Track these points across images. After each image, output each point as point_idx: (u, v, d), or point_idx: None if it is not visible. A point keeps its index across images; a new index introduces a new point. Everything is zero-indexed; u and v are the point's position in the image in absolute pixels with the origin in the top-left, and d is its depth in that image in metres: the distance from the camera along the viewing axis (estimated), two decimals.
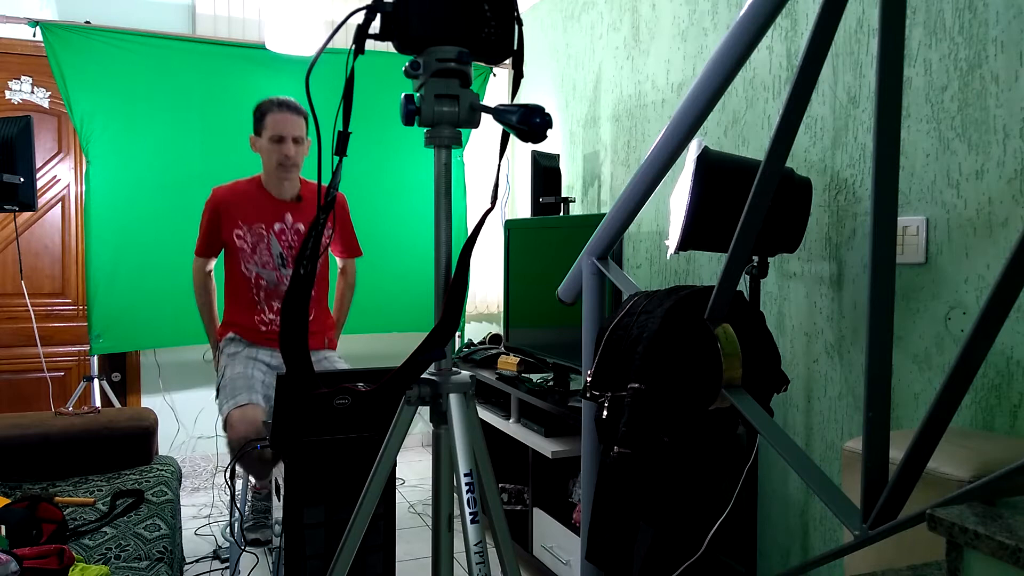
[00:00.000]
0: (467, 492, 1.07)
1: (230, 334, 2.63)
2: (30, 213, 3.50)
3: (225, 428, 2.35)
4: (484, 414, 3.01)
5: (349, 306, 2.84)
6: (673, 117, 1.47)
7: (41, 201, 3.57)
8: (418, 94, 1.13)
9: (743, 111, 2.41)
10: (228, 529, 2.71)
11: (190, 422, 3.83)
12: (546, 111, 1.07)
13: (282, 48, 3.51)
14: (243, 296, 2.59)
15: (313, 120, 1.12)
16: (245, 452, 2.22)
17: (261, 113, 2.50)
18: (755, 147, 2.35)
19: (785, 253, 1.99)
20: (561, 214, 3.31)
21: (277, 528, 2.20)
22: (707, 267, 2.57)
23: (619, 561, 1.52)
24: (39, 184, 3.50)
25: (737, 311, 1.45)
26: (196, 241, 2.65)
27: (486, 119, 1.15)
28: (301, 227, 2.58)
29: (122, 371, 3.79)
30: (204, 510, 3.33)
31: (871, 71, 1.94)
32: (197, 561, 2.75)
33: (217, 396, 2.49)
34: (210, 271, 2.71)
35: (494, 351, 3.43)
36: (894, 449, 1.06)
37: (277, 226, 2.56)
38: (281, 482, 2.04)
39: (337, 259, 2.83)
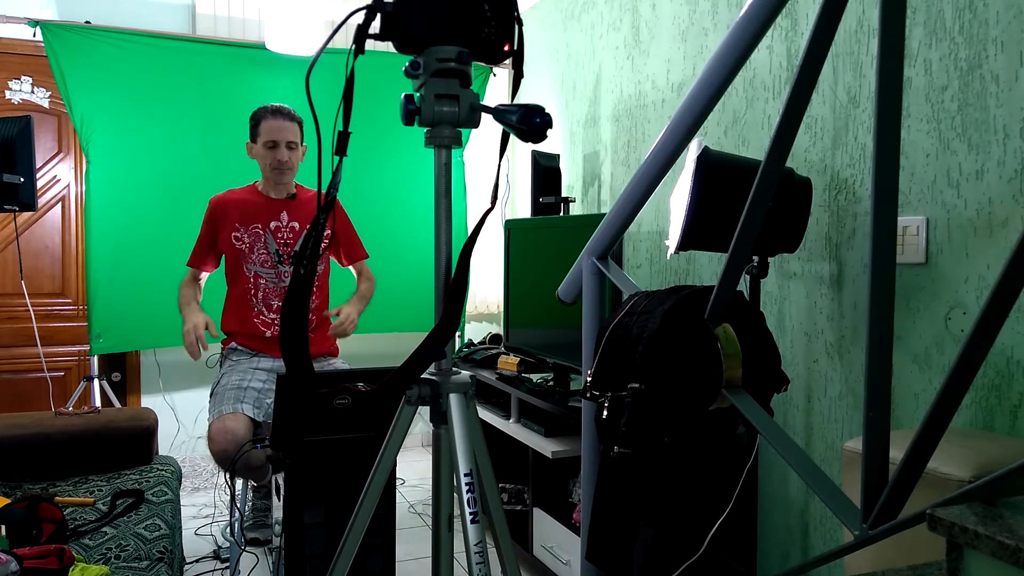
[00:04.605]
0: (467, 492, 1.07)
1: (232, 344, 2.65)
2: (30, 213, 3.50)
3: (207, 440, 2.36)
4: (484, 414, 3.01)
5: (371, 293, 2.75)
6: (673, 117, 1.47)
7: (41, 201, 3.56)
8: (418, 94, 1.13)
9: (743, 111, 2.41)
10: (228, 529, 2.71)
11: (190, 422, 3.83)
12: (546, 111, 1.07)
13: (282, 48, 3.51)
14: (242, 301, 2.61)
15: (313, 120, 1.12)
16: (235, 461, 2.23)
17: (256, 120, 2.55)
18: (755, 147, 2.35)
19: (785, 253, 1.99)
20: (561, 214, 3.31)
21: (277, 528, 2.20)
22: (707, 267, 2.57)
23: (619, 561, 1.52)
24: (39, 184, 3.50)
25: (737, 311, 1.45)
26: (192, 250, 2.66)
27: (486, 119, 1.15)
28: (296, 225, 2.61)
29: (122, 371, 3.79)
30: (204, 510, 3.34)
31: (871, 71, 1.94)
32: (197, 561, 2.75)
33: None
34: (199, 281, 2.70)
35: (494, 351, 3.43)
36: (894, 449, 1.06)
37: (273, 224, 2.59)
38: (281, 482, 2.04)
39: (351, 268, 2.82)
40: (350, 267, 2.82)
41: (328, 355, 2.71)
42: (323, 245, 2.64)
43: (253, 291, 2.60)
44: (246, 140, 2.60)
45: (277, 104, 2.56)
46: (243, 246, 2.58)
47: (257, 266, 2.59)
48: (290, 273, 2.55)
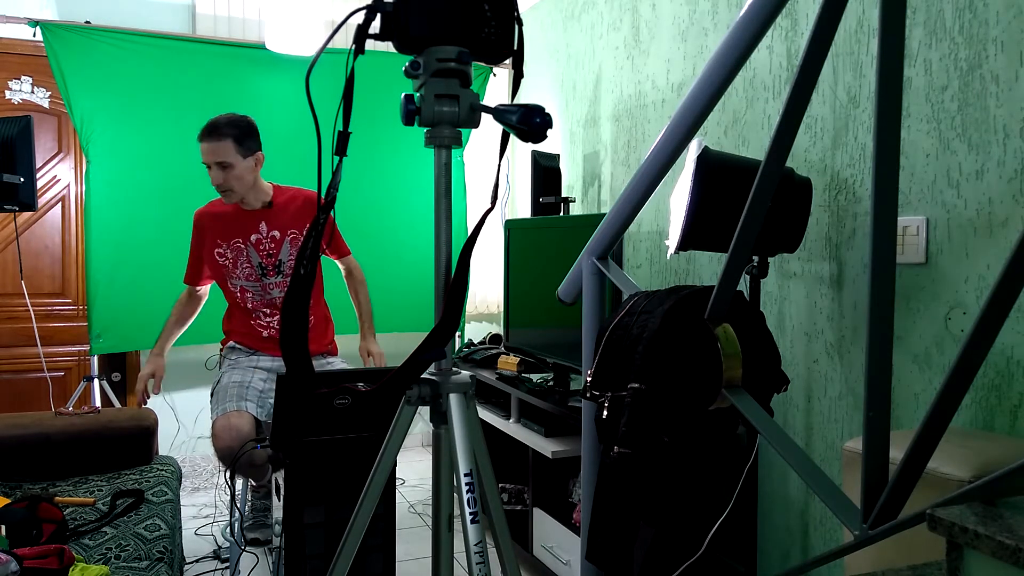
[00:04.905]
0: (467, 492, 1.07)
1: (231, 343, 2.65)
2: (30, 213, 3.50)
3: (212, 437, 2.36)
4: (484, 414, 3.01)
5: (369, 299, 2.79)
6: (673, 117, 1.47)
7: (41, 201, 3.56)
8: (418, 94, 1.13)
9: (743, 111, 2.41)
10: (228, 529, 2.72)
11: (190, 422, 3.83)
12: (546, 111, 1.07)
13: (282, 48, 3.51)
14: (237, 307, 2.63)
15: (313, 120, 1.12)
16: (237, 458, 2.22)
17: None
18: (755, 147, 2.35)
19: (785, 253, 1.99)
20: (561, 214, 3.31)
21: (277, 528, 2.20)
22: (707, 267, 2.57)
23: (619, 561, 1.52)
24: (39, 184, 3.50)
25: (737, 311, 1.45)
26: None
27: (486, 119, 1.15)
28: (276, 234, 2.56)
29: (122, 371, 3.79)
30: (204, 510, 3.34)
31: (871, 71, 1.94)
32: (197, 561, 2.75)
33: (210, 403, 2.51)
34: (198, 295, 2.72)
35: (494, 351, 3.43)
36: (894, 449, 1.06)
37: (254, 237, 2.54)
38: (281, 482, 2.04)
39: (338, 263, 2.82)
40: (338, 262, 2.81)
41: (328, 354, 2.71)
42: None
43: (241, 304, 2.59)
44: None
45: (213, 120, 2.43)
46: (227, 262, 2.56)
47: (242, 280, 2.56)
48: (276, 284, 2.56)
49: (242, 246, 2.54)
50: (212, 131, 2.42)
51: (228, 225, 2.55)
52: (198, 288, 2.71)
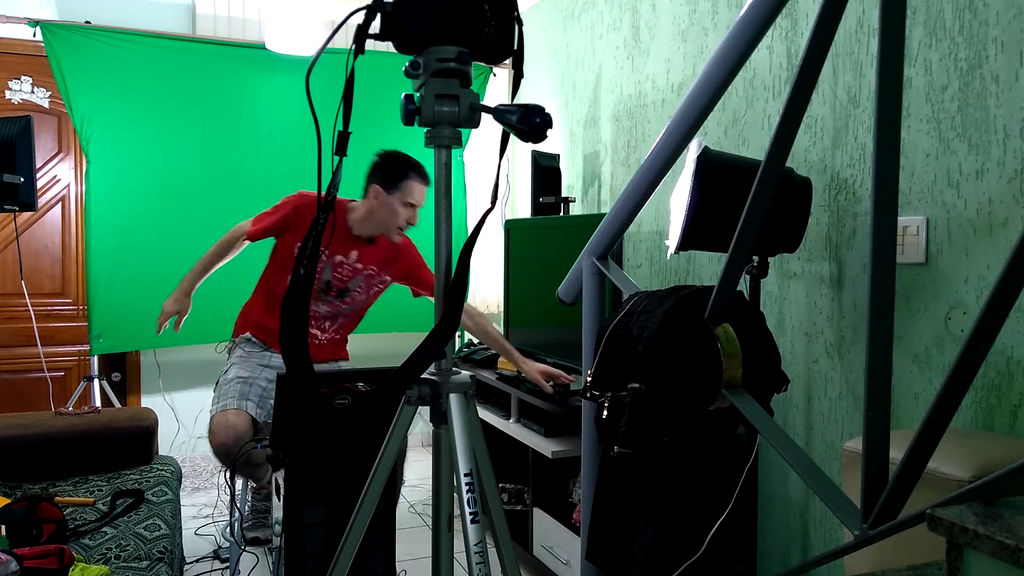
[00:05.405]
0: (467, 492, 1.07)
1: (247, 334, 2.60)
2: (30, 213, 3.50)
3: (208, 432, 2.34)
4: (484, 414, 3.01)
5: (493, 328, 2.76)
6: (673, 117, 1.47)
7: (41, 201, 3.56)
8: (418, 94, 1.13)
9: (743, 111, 2.41)
10: (228, 529, 2.72)
11: (190, 422, 3.83)
12: (546, 111, 1.07)
13: (282, 48, 3.51)
14: (271, 299, 2.56)
15: (313, 120, 1.12)
16: (236, 458, 2.22)
17: (402, 174, 2.47)
18: (755, 147, 2.35)
19: (785, 253, 1.99)
20: (561, 214, 3.31)
21: (277, 528, 2.20)
22: (707, 267, 2.57)
23: (619, 561, 1.52)
24: (39, 184, 3.50)
25: (737, 311, 1.45)
26: (255, 219, 2.57)
27: (486, 119, 1.15)
28: (360, 267, 2.56)
29: (122, 371, 3.79)
30: (204, 510, 3.34)
31: (871, 71, 1.94)
32: (197, 561, 2.75)
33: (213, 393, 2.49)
34: (241, 247, 2.64)
35: (494, 351, 3.43)
36: (894, 449, 1.06)
37: (338, 258, 2.52)
38: (281, 482, 2.04)
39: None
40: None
41: (339, 359, 2.69)
42: (378, 288, 2.65)
43: (279, 296, 2.55)
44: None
45: (422, 166, 2.50)
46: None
47: None
48: (327, 303, 2.55)
49: (325, 260, 2.51)
50: (429, 177, 2.50)
51: (325, 233, 2.51)
52: (242, 244, 2.63)
